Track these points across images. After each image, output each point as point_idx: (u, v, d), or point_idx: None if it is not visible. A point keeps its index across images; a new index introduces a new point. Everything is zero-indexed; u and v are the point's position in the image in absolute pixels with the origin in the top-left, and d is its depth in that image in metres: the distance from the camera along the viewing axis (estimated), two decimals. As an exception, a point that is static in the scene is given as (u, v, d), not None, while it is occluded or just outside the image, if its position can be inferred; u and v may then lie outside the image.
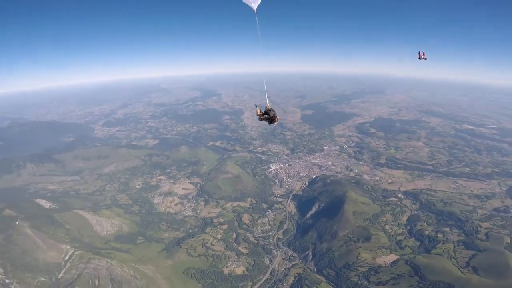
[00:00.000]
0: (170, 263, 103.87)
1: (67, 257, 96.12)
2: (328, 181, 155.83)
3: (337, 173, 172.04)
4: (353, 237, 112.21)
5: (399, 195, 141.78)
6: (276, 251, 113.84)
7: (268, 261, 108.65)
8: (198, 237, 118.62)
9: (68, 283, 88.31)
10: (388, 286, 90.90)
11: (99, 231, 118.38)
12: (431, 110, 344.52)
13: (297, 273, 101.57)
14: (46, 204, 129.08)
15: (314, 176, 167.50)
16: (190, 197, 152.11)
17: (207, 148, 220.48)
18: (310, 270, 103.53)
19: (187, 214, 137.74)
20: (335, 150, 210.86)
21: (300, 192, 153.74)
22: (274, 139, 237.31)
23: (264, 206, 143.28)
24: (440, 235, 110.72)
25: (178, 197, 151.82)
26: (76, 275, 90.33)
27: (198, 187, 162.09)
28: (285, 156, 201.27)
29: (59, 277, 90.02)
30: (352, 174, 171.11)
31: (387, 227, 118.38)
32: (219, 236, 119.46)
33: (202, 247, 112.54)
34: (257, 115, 25.73)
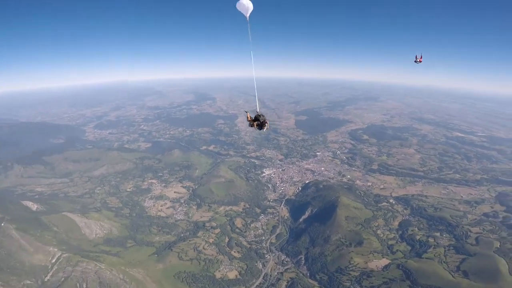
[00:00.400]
0: (160, 267, 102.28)
1: (54, 260, 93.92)
2: (321, 186, 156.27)
3: (330, 178, 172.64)
4: (345, 242, 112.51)
5: (391, 201, 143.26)
6: (269, 255, 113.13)
7: (261, 266, 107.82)
8: (189, 241, 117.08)
9: (55, 286, 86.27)
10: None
11: (87, 234, 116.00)
12: (422, 118, 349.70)
13: (290, 278, 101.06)
14: (34, 206, 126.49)
15: (307, 181, 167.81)
16: (182, 201, 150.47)
17: (200, 152, 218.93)
18: (303, 274, 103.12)
19: (178, 218, 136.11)
20: (328, 156, 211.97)
21: (293, 197, 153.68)
22: (268, 144, 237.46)
23: (257, 210, 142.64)
24: (431, 240, 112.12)
25: (170, 201, 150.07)
26: (63, 278, 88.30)
27: (191, 191, 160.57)
28: (278, 161, 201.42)
29: (46, 280, 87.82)
30: (344, 179, 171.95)
31: (379, 231, 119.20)
32: (211, 240, 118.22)
33: (194, 251, 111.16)
34: (248, 121, 25.59)
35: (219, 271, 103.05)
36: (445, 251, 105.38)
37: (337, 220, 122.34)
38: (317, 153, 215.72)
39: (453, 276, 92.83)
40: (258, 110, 25.52)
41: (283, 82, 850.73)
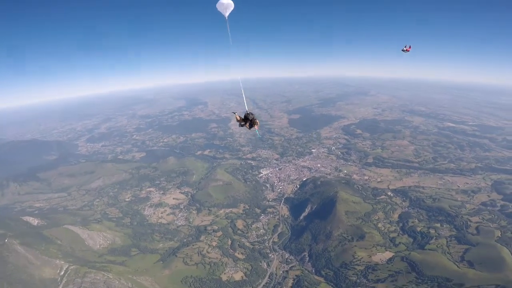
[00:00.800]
0: (167, 273, 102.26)
1: (62, 273, 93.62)
2: (319, 182, 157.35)
3: (326, 174, 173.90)
4: (347, 237, 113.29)
5: (389, 193, 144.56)
6: (273, 254, 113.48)
7: (265, 265, 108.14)
8: (193, 245, 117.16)
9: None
10: (387, 283, 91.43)
11: (91, 245, 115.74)
12: (413, 110, 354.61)
13: (296, 275, 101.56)
14: (34, 221, 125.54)
15: (304, 179, 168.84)
16: (182, 207, 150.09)
17: (195, 158, 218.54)
18: (308, 271, 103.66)
19: (180, 224, 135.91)
20: (323, 152, 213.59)
21: (292, 195, 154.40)
22: (263, 145, 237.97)
23: (257, 211, 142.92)
24: (432, 231, 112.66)
25: (170, 208, 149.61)
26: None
27: (189, 196, 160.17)
28: (274, 161, 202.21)
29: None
30: (341, 174, 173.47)
31: (379, 225, 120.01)
32: (214, 244, 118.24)
33: (198, 255, 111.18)
34: (237, 121, 25.62)
35: (224, 273, 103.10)
36: (447, 241, 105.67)
37: (337, 215, 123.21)
38: (312, 150, 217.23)
39: (458, 267, 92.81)
40: (246, 109, 25.74)
41: (274, 82, 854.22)
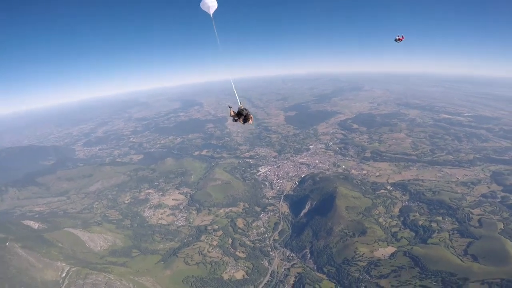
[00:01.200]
0: (168, 273, 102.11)
1: (64, 274, 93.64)
2: (317, 178, 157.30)
3: (325, 170, 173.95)
4: (348, 232, 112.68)
5: (388, 187, 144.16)
6: (274, 252, 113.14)
7: (267, 263, 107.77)
8: (193, 245, 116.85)
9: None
10: (390, 279, 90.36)
11: (92, 247, 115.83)
12: (408, 103, 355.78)
13: (297, 273, 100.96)
14: (35, 225, 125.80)
15: (303, 175, 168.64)
16: (181, 207, 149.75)
17: (193, 158, 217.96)
18: (310, 268, 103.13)
19: (180, 224, 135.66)
20: (321, 148, 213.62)
21: (291, 192, 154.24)
22: (261, 143, 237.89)
23: (257, 209, 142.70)
24: (434, 225, 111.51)
25: (169, 208, 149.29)
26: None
27: (188, 196, 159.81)
28: (272, 158, 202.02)
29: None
30: (340, 170, 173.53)
31: (380, 219, 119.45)
32: (214, 243, 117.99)
33: (199, 255, 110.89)
34: (231, 116, 25.68)
35: (226, 272, 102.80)
36: (449, 235, 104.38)
37: (338, 211, 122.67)
38: (310, 147, 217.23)
39: (462, 261, 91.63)
40: (240, 104, 25.72)
41: (268, 81, 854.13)
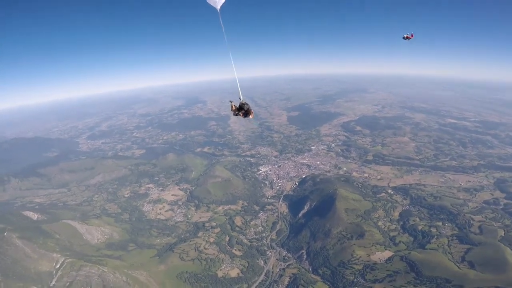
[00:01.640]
0: (163, 268, 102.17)
1: (58, 266, 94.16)
2: (318, 180, 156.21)
3: (326, 171, 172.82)
4: (346, 235, 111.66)
5: (389, 191, 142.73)
6: (270, 252, 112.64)
7: (262, 263, 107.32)
8: (190, 241, 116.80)
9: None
10: (384, 283, 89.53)
11: (89, 240, 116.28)
12: (413, 106, 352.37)
13: (292, 273, 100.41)
14: (34, 216, 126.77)
15: (303, 176, 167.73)
16: (180, 203, 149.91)
17: (195, 155, 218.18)
18: (305, 269, 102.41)
19: (178, 220, 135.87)
20: (322, 149, 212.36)
21: (291, 192, 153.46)
22: (262, 142, 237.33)
23: (256, 208, 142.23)
24: (433, 230, 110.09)
25: (168, 204, 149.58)
26: (68, 283, 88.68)
27: (188, 192, 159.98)
28: (274, 158, 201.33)
29: (51, 285, 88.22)
30: (341, 172, 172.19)
31: (380, 223, 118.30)
32: (211, 240, 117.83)
33: (195, 251, 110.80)
34: (232, 110, 25.98)
35: (220, 269, 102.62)
36: (448, 241, 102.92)
37: (337, 213, 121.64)
38: (312, 147, 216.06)
39: (458, 267, 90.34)
40: (241, 98, 25.76)
41: (271, 81, 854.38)
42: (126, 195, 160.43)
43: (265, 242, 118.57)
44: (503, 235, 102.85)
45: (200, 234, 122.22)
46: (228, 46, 26.23)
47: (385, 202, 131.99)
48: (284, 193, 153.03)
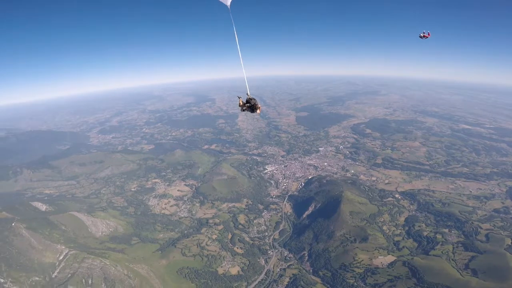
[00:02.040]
0: (164, 263, 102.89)
1: (61, 257, 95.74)
2: (324, 181, 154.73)
3: (333, 173, 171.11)
4: (350, 237, 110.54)
5: (397, 196, 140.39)
6: (272, 251, 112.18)
7: (263, 262, 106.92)
8: (193, 237, 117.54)
9: (61, 282, 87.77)
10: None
11: (94, 232, 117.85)
12: (426, 110, 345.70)
13: (293, 274, 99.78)
14: (42, 207, 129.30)
15: (310, 177, 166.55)
16: (186, 199, 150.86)
17: (202, 151, 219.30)
18: (306, 271, 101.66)
19: (182, 215, 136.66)
20: (331, 151, 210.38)
21: (296, 193, 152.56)
22: (270, 141, 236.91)
23: (260, 206, 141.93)
24: (439, 236, 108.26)
25: (174, 199, 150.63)
26: (69, 275, 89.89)
27: (194, 189, 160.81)
28: (280, 158, 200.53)
29: (53, 276, 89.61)
30: (348, 174, 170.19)
31: (384, 227, 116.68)
32: (214, 237, 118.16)
33: (197, 247, 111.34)
34: (239, 106, 26.37)
35: (221, 267, 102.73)
36: (453, 248, 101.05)
37: (342, 216, 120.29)
38: (320, 149, 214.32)
39: (461, 275, 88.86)
40: (248, 93, 26.15)
41: (281, 80, 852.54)
42: (133, 189, 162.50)
43: (267, 241, 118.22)
44: (510, 243, 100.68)
45: (203, 230, 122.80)
46: (238, 42, 26.24)
47: (392, 207, 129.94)
48: (289, 193, 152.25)
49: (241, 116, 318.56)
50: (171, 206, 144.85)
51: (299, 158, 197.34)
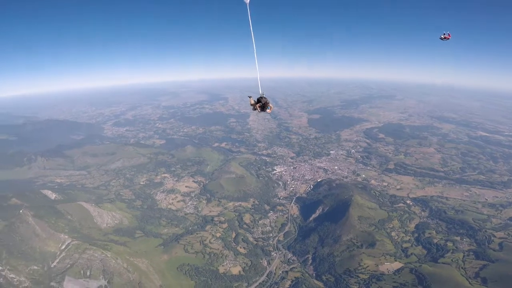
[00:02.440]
0: (165, 258, 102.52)
1: (63, 247, 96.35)
2: (334, 184, 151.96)
3: (343, 177, 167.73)
4: (356, 242, 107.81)
5: (408, 202, 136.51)
6: (275, 253, 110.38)
7: (266, 263, 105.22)
8: (197, 234, 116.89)
9: (60, 272, 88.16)
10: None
11: (99, 223, 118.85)
12: (442, 116, 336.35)
13: (295, 277, 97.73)
14: (52, 195, 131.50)
15: (319, 180, 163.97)
16: (193, 195, 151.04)
17: (212, 149, 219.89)
18: (309, 274, 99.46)
19: (188, 212, 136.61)
20: (342, 154, 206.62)
21: (304, 195, 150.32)
22: (280, 142, 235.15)
23: (266, 207, 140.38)
24: (449, 244, 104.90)
25: (181, 195, 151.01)
26: (68, 265, 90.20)
27: (201, 185, 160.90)
28: (290, 159, 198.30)
29: (52, 266, 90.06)
30: (359, 178, 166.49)
31: (393, 233, 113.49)
32: (218, 235, 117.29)
33: (200, 244, 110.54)
34: (251, 105, 26.21)
35: (222, 265, 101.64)
36: (464, 256, 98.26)
37: (350, 220, 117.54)
38: (331, 152, 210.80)
39: (470, 283, 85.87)
40: (260, 92, 25.89)
41: (293, 82, 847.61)
42: (142, 183, 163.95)
43: (271, 242, 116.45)
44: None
45: (207, 227, 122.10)
46: (253, 40, 25.92)
47: (402, 213, 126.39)
48: (297, 195, 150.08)
49: (252, 116, 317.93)
50: (178, 201, 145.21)
51: (309, 161, 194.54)
